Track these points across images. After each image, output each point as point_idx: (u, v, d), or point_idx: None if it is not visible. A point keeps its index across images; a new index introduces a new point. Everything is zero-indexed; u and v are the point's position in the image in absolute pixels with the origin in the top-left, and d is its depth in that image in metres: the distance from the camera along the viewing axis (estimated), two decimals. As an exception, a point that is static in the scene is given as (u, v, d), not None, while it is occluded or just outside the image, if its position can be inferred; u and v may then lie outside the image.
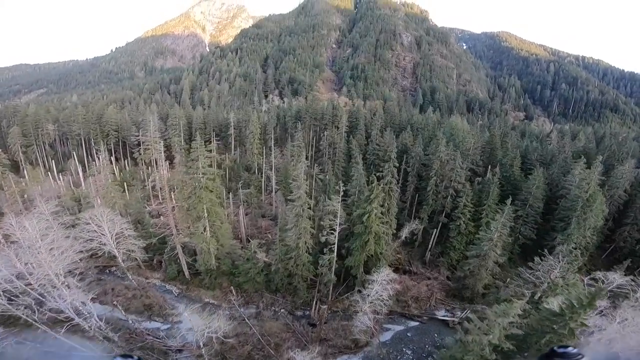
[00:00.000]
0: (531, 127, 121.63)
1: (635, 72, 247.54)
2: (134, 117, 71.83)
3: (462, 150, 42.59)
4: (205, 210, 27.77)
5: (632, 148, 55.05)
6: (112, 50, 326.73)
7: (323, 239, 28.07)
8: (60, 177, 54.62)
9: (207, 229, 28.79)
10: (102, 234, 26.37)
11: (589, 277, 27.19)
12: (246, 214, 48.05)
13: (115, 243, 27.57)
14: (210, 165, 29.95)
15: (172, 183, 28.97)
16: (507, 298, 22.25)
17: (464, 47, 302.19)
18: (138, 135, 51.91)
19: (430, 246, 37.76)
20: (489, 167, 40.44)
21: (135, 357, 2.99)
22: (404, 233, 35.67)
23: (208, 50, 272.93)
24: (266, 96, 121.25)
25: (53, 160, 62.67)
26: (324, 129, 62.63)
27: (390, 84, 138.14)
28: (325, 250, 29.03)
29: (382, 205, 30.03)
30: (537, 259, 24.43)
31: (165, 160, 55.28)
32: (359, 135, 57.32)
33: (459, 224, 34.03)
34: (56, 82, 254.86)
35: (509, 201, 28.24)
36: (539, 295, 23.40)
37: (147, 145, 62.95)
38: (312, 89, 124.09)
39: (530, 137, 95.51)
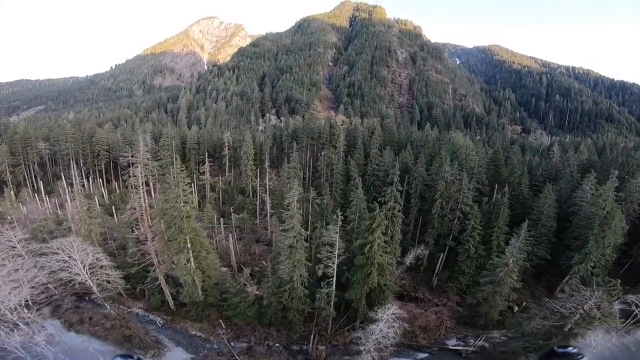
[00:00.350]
0: (530, 141, 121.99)
1: (626, 81, 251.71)
2: (128, 136, 70.98)
3: (467, 168, 41.41)
4: (188, 241, 26.08)
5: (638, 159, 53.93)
6: (111, 68, 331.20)
7: (320, 273, 26.37)
8: (47, 198, 53.01)
9: (192, 260, 27.01)
10: (74, 264, 24.69)
11: (618, 300, 25.37)
12: (240, 239, 46.37)
13: (88, 273, 25.79)
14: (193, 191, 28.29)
15: (152, 211, 27.28)
16: (534, 332, 20.44)
17: (457, 62, 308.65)
18: (127, 156, 50.45)
19: (437, 271, 35.94)
20: (496, 186, 39.09)
21: (135, 357, 3.06)
22: (409, 259, 33.91)
23: (206, 68, 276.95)
24: (263, 115, 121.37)
25: (41, 181, 61.13)
26: (321, 149, 61.73)
27: (387, 100, 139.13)
28: (322, 283, 27.27)
29: (384, 234, 28.46)
30: (566, 289, 22.65)
31: (154, 184, 54.17)
32: (357, 155, 56.40)
33: (467, 247, 32.34)
34: (55, 99, 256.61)
35: (525, 224, 26.85)
36: (569, 327, 21.48)
37: (137, 167, 61.69)
38: (309, 107, 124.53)
39: (531, 151, 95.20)
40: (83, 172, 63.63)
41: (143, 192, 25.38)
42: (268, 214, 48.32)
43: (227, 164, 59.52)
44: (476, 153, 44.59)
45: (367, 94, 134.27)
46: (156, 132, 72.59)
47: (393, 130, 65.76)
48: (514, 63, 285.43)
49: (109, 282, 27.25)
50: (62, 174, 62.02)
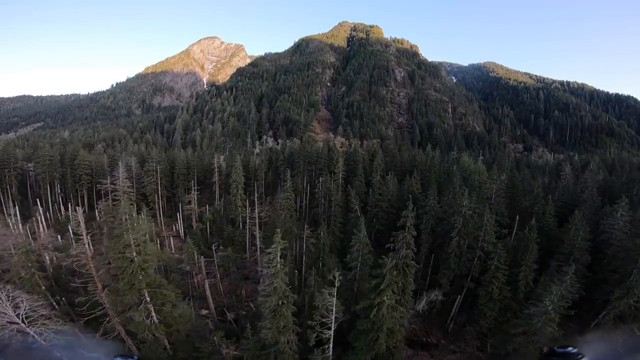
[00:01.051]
0: (533, 160, 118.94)
1: (621, 94, 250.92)
2: (117, 158, 67.59)
3: (483, 198, 37.29)
4: (146, 295, 21.75)
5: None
6: (112, 86, 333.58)
7: (313, 341, 21.97)
8: (21, 225, 48.66)
9: (153, 315, 22.51)
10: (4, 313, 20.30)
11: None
12: (225, 276, 42.06)
13: (26, 324, 21.39)
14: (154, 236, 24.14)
15: (98, 259, 23.01)
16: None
17: (454, 80, 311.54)
18: (106, 183, 46.48)
19: (452, 314, 31.38)
20: (517, 218, 34.68)
21: (135, 357, 4.35)
22: (421, 305, 29.54)
23: (206, 88, 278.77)
24: (260, 137, 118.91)
25: (19, 205, 56.93)
26: (319, 174, 58.08)
27: (386, 121, 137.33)
28: (317, 350, 22.76)
29: (394, 292, 24.23)
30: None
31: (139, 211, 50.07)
32: (358, 182, 52.55)
33: (490, 289, 27.99)
34: (54, 117, 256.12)
35: (571, 269, 22.75)
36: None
37: (116, 195, 57.63)
38: (307, 128, 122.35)
39: (538, 171, 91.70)
40: (60, 198, 59.72)
41: (87, 238, 21.13)
42: (258, 249, 44.09)
43: (218, 191, 55.67)
44: (492, 180, 40.48)
45: (366, 115, 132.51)
46: (146, 155, 69.30)
47: (394, 152, 62.33)
48: (510, 79, 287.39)
49: (54, 332, 22.71)
50: (41, 198, 58.24)
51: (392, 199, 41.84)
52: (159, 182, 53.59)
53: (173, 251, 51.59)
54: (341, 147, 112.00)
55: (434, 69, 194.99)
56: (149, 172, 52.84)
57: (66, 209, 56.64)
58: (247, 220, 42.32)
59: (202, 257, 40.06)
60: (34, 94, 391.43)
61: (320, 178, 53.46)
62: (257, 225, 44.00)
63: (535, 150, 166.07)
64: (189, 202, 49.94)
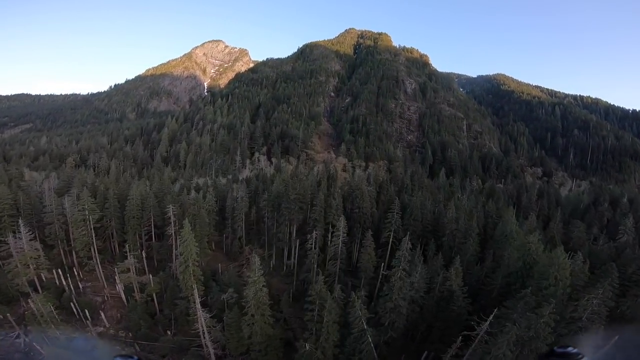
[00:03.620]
0: (555, 188, 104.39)
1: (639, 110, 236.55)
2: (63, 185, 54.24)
3: (560, 304, 23.42)
4: None
5: None
6: (110, 87, 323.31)
7: None
8: None
9: None
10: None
11: None
12: None
13: None
14: None
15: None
16: None
17: (463, 93, 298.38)
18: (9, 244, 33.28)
19: None
20: None
21: (135, 357, 2.99)
22: None
23: (206, 93, 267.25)
24: (252, 153, 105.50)
25: None
26: (313, 226, 44.35)
27: (394, 139, 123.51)
28: None
29: None
30: None
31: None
32: (366, 258, 37.74)
33: None
34: (44, 118, 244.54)
35: None
36: None
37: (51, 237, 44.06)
38: (306, 146, 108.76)
39: (569, 207, 77.51)
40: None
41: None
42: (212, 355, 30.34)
43: (174, 245, 41.97)
44: (571, 274, 26.81)
45: (372, 132, 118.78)
46: (98, 184, 55.98)
47: (413, 206, 46.53)
48: (522, 93, 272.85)
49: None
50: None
51: (417, 295, 28.11)
52: (93, 235, 40.04)
53: (106, 325, 38.06)
54: (343, 170, 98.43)
55: (446, 81, 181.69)
56: (77, 222, 39.19)
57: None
58: (202, 325, 28.32)
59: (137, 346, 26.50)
60: (33, 93, 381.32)
61: (315, 231, 39.87)
62: (209, 332, 30.23)
63: (555, 175, 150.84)
64: (128, 270, 36.33)
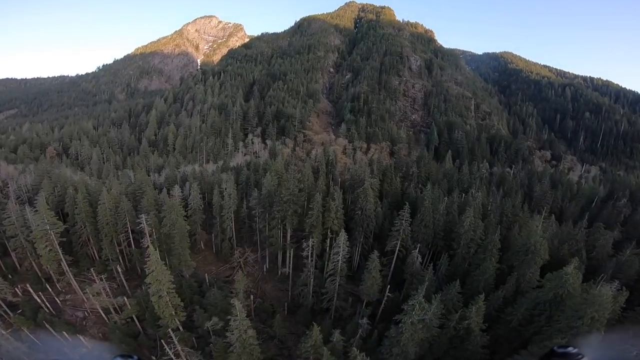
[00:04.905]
0: (563, 173, 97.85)
1: None
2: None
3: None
4: None
5: None
6: (98, 68, 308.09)
7: None
8: None
9: None
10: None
11: None
12: None
13: None
14: None
15: None
16: None
17: (470, 71, 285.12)
18: None
19: None
20: None
21: (136, 357, 2.96)
22: None
23: (197, 71, 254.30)
24: (246, 135, 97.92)
25: None
26: (309, 232, 38.09)
27: (397, 118, 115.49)
28: None
29: None
30: None
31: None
32: (368, 290, 31.23)
33: None
34: (29, 103, 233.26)
35: None
36: None
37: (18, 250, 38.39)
38: (303, 126, 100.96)
39: (582, 198, 71.59)
40: None
41: None
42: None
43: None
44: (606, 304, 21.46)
45: (374, 111, 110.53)
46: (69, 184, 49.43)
47: (424, 211, 39.04)
48: (531, 72, 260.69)
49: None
50: None
51: (428, 333, 22.41)
52: (59, 251, 33.76)
53: (89, 347, 32.74)
54: (343, 153, 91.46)
55: (453, 58, 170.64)
56: (39, 238, 32.76)
57: None
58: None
59: None
60: (19, 77, 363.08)
61: (311, 239, 33.83)
62: None
63: (563, 159, 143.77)
64: (97, 294, 30.50)
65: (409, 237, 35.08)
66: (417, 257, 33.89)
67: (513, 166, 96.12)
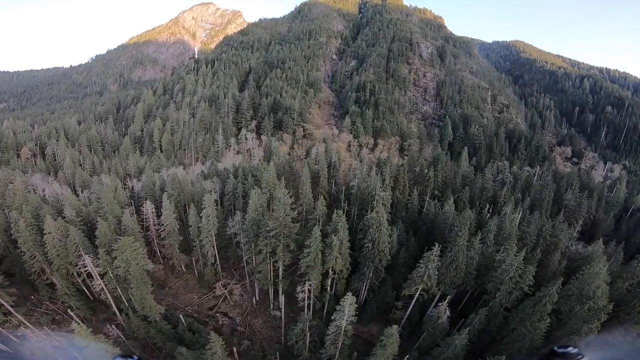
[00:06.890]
0: (599, 186, 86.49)
1: None
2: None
3: None
4: None
5: None
6: (91, 59, 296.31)
7: None
8: None
9: None
10: None
11: None
12: None
13: None
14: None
15: None
16: None
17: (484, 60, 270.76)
18: None
19: None
20: None
21: (136, 357, 2.98)
22: None
23: (189, 59, 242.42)
24: (239, 129, 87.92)
25: None
26: (305, 277, 28.39)
27: (407, 110, 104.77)
28: None
29: None
30: None
31: None
32: None
33: None
34: (18, 97, 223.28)
35: None
36: None
37: None
38: (303, 119, 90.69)
39: (616, 206, 61.80)
40: None
41: None
42: None
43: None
44: None
45: (382, 102, 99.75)
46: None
47: (457, 249, 27.77)
48: (546, 62, 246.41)
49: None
50: None
51: None
52: None
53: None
54: (347, 151, 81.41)
55: (466, 46, 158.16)
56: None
57: None
58: None
59: None
60: (12, 70, 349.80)
61: (307, 284, 24.51)
62: None
63: (585, 156, 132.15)
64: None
65: (434, 283, 25.70)
66: (446, 311, 24.70)
67: (537, 167, 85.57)
